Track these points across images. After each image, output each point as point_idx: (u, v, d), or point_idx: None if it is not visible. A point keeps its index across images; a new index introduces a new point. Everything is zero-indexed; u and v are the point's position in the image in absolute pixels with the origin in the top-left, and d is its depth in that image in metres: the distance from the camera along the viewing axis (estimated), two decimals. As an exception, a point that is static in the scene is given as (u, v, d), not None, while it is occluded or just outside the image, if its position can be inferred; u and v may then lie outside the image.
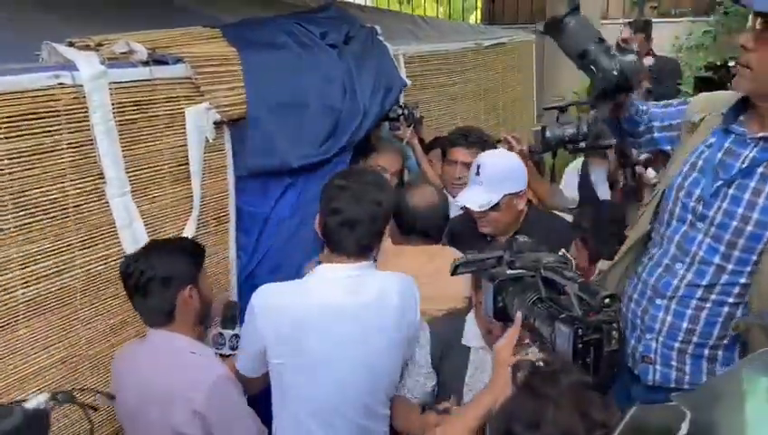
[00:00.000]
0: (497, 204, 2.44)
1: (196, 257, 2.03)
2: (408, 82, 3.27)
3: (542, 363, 1.40)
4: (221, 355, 2.14)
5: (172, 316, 1.94)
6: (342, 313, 1.85)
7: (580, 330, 1.20)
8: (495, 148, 2.93)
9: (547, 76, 7.59)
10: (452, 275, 1.64)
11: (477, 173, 2.52)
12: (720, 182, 1.70)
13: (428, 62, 3.64)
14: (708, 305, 1.73)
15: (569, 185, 3.71)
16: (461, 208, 2.63)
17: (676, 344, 1.80)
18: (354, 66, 2.83)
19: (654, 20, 5.82)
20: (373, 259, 2.00)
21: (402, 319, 1.93)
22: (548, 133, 2.60)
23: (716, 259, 1.71)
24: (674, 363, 1.81)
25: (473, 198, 2.49)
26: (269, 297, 1.90)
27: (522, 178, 2.56)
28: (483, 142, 2.97)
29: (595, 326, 1.21)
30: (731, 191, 1.68)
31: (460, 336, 2.10)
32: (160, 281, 1.90)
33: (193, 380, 1.88)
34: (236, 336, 2.18)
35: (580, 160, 3.75)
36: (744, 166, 1.67)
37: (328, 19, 2.99)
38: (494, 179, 2.47)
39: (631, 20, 5.69)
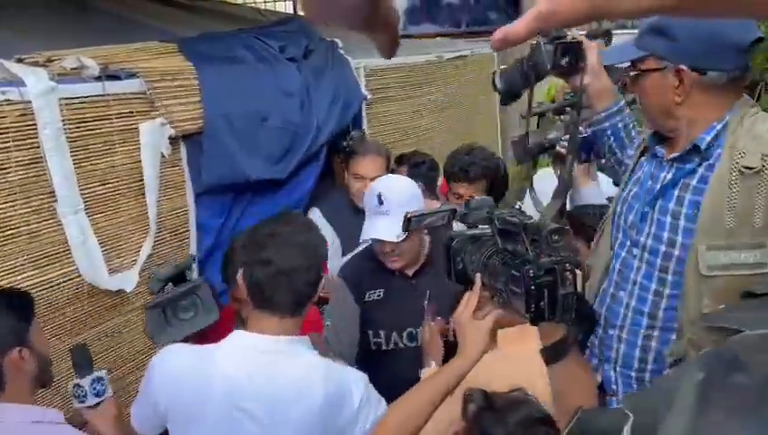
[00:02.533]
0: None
1: (22, 311, 1.68)
2: (369, 95, 3.27)
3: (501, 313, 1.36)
4: (88, 407, 1.82)
5: (1, 386, 1.60)
6: (245, 394, 1.57)
7: (531, 271, 1.15)
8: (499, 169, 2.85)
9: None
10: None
11: (380, 203, 2.23)
12: (646, 207, 1.72)
13: (390, 75, 3.65)
14: (656, 334, 1.71)
15: (541, 192, 3.66)
16: (370, 242, 2.35)
17: (633, 374, 1.78)
18: (312, 80, 2.83)
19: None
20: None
21: (324, 424, 1.59)
22: (530, 141, 2.57)
23: (653, 285, 1.70)
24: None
25: (385, 230, 2.19)
26: (169, 359, 1.66)
27: (420, 198, 2.34)
28: (489, 172, 2.84)
29: (547, 268, 1.16)
30: (655, 215, 1.69)
31: None
32: None
33: None
34: (99, 379, 1.84)
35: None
36: (660, 187, 1.69)
37: (288, 33, 2.98)
38: (400, 206, 2.16)
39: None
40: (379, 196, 2.24)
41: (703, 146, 1.61)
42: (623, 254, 1.79)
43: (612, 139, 2.00)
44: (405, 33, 0.55)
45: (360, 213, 2.82)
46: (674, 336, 1.67)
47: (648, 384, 1.76)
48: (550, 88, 7.33)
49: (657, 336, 1.71)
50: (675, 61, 1.60)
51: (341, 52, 3.15)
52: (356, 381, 1.63)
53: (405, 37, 0.55)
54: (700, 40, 1.54)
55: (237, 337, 1.64)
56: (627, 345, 1.77)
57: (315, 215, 2.89)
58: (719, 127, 1.61)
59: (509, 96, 1.92)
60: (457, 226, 1.65)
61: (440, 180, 3.24)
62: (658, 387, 0.73)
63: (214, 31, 2.95)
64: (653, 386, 0.80)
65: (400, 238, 2.18)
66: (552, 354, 1.22)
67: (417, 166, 3.06)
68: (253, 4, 5.85)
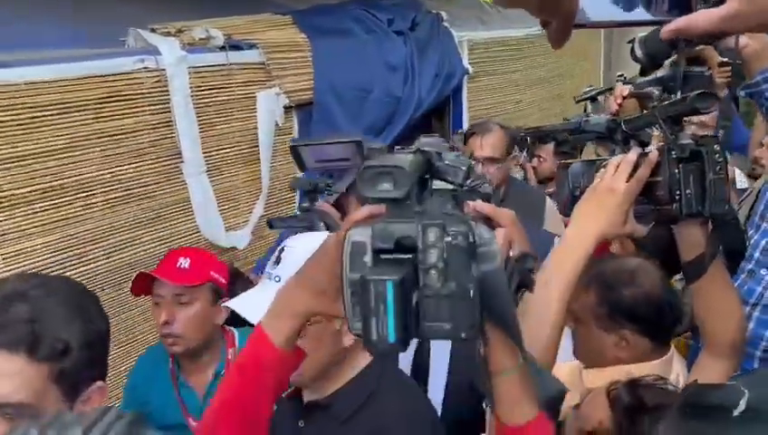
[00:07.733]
0: None
1: None
2: (470, 69, 3.29)
3: None
4: None
5: None
6: None
7: (673, 152, 0.99)
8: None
9: (615, 63, 7.39)
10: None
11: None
12: None
13: (493, 49, 3.63)
14: None
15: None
16: None
17: (758, 353, 1.67)
18: (417, 53, 2.88)
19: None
20: None
21: None
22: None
23: None
24: None
25: None
26: None
27: None
28: None
29: (692, 150, 0.99)
30: None
31: None
32: None
33: None
34: None
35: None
36: None
37: (396, 5, 3.03)
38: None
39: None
40: None
41: None
42: None
43: None
44: (579, 22, 0.55)
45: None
46: None
47: None
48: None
49: None
50: None
51: (446, 25, 3.18)
52: None
53: (578, 27, 0.56)
54: None
55: None
56: (757, 324, 1.67)
57: None
58: None
59: (651, 66, 1.84)
60: None
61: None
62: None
63: (326, 2, 3.04)
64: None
65: None
66: (690, 272, 1.11)
67: None
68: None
